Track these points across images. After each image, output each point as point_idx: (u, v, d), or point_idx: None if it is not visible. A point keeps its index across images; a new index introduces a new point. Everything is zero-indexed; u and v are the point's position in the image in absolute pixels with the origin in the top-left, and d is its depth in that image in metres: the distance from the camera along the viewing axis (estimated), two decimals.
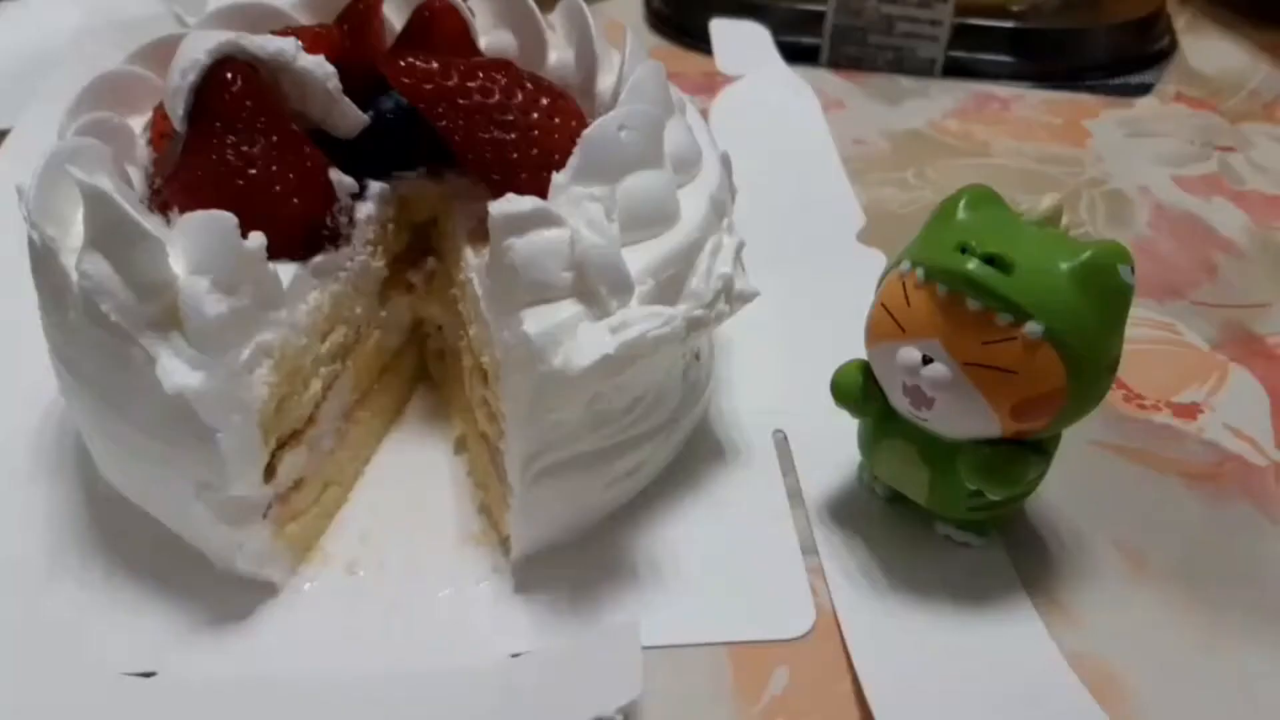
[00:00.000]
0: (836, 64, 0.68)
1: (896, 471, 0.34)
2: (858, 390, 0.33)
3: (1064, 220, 0.32)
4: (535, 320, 0.30)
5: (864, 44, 0.68)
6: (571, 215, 0.31)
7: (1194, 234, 0.53)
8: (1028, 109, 0.64)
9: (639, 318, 0.30)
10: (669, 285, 0.32)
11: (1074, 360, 0.29)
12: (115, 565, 0.34)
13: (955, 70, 0.67)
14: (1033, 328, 0.28)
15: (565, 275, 0.30)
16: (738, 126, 0.57)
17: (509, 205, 0.30)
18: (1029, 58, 0.67)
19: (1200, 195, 0.56)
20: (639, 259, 0.32)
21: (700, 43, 0.70)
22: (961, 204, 0.31)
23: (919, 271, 0.30)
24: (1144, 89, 0.66)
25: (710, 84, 0.64)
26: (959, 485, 0.32)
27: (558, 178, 0.32)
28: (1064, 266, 0.29)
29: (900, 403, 0.32)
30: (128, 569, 0.34)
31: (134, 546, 0.35)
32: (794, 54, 0.67)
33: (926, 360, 0.30)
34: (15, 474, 0.38)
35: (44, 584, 0.34)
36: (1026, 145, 0.60)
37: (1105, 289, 0.29)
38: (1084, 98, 0.66)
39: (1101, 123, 0.63)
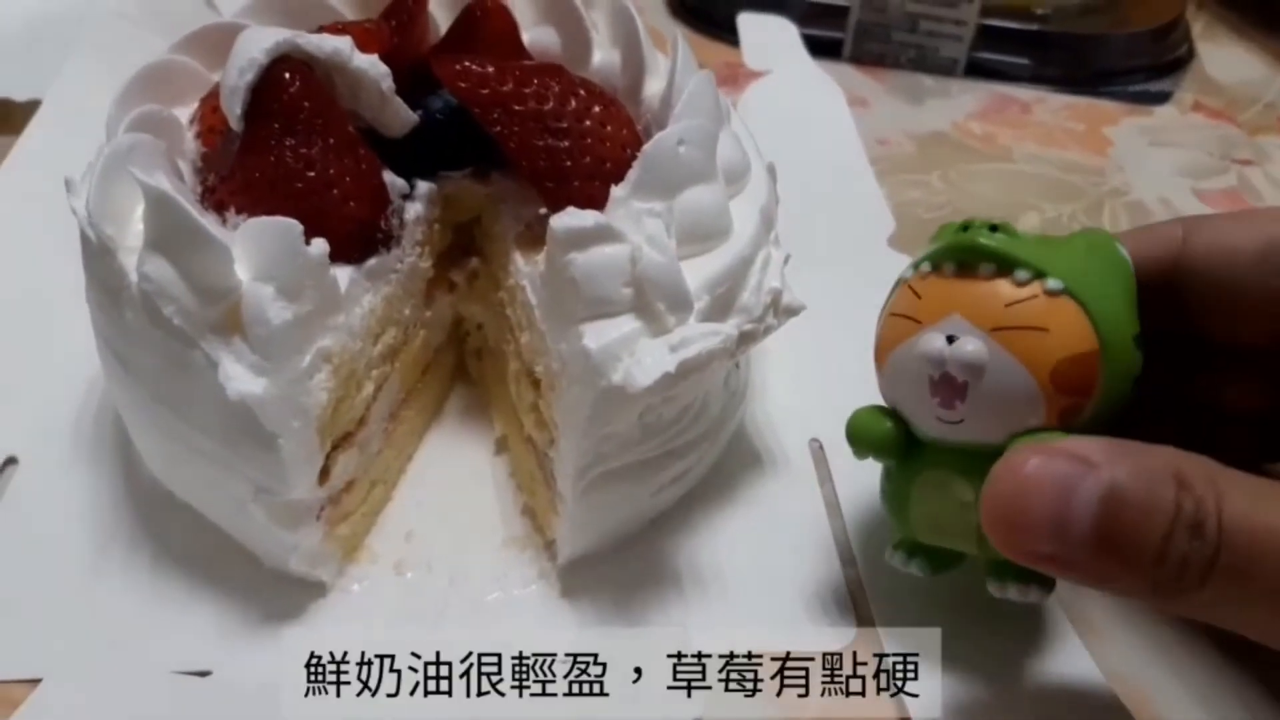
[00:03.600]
0: (858, 60, 0.68)
1: (938, 512, 0.31)
2: (879, 431, 0.32)
3: None
4: (595, 335, 0.30)
5: (887, 41, 0.68)
6: (631, 231, 0.31)
7: None
8: (1049, 114, 0.65)
9: (698, 335, 0.31)
10: (722, 300, 0.32)
11: (1099, 318, 0.28)
12: (161, 561, 0.34)
13: (974, 70, 0.67)
14: (1052, 284, 0.28)
15: (625, 291, 0.30)
16: (765, 125, 0.57)
17: (571, 220, 0.30)
18: (1049, 61, 0.67)
19: (1221, 210, 0.57)
20: (695, 274, 0.31)
21: (722, 32, 0.69)
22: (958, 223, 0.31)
23: (924, 265, 0.31)
24: (1162, 97, 0.67)
25: (733, 75, 0.64)
26: None
27: (616, 191, 0.32)
28: (1065, 238, 0.30)
29: (930, 412, 0.30)
30: (174, 565, 0.34)
31: (179, 542, 0.35)
32: (816, 48, 0.67)
33: (951, 341, 0.29)
34: (53, 461, 0.37)
35: (89, 579, 0.34)
36: (1049, 152, 0.61)
37: (1108, 258, 0.30)
38: (1104, 104, 0.66)
39: (1122, 130, 0.63)
